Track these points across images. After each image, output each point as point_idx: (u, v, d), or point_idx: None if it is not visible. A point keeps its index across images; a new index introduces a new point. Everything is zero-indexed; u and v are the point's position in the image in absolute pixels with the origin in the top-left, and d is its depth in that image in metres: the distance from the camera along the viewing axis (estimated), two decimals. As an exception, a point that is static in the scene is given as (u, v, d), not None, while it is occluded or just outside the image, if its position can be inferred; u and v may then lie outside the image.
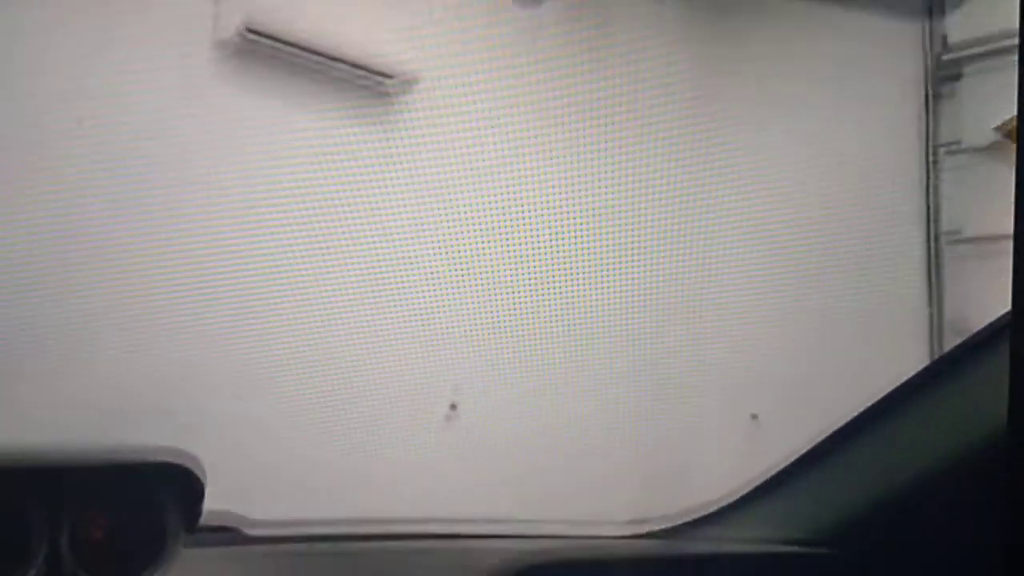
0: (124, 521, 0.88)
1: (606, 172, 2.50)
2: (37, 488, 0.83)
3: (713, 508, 1.29)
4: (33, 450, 0.85)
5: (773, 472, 1.28)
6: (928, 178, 3.15)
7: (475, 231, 2.33)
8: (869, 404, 1.19)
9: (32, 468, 0.84)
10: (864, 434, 1.19)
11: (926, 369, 1.16)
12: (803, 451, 1.27)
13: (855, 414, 1.21)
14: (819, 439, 1.25)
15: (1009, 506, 0.50)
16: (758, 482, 1.30)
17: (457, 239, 2.30)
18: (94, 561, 0.86)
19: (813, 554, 1.13)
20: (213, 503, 0.96)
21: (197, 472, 0.90)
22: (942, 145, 3.12)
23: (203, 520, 0.94)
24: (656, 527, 1.28)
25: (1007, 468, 0.51)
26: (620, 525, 1.27)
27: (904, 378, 1.15)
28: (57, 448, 0.88)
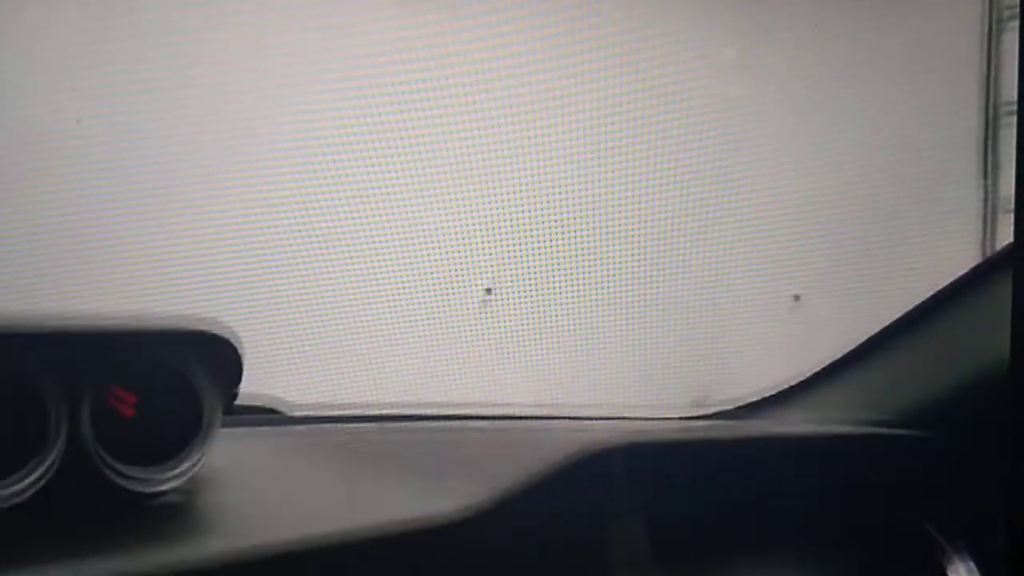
0: (153, 398, 0.79)
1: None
2: (52, 360, 0.73)
3: (782, 388, 1.22)
4: (45, 317, 0.75)
5: (846, 351, 1.20)
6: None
7: (523, 114, 2.24)
8: (954, 279, 1.10)
9: (45, 336, 0.74)
10: (951, 311, 1.10)
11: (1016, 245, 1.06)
12: (879, 329, 1.18)
13: (938, 290, 1.12)
14: (897, 317, 1.16)
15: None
16: (828, 363, 1.21)
17: (502, 122, 2.21)
18: (120, 443, 0.77)
19: (899, 435, 1.05)
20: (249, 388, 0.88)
21: (235, 344, 0.80)
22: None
23: (241, 402, 0.86)
24: (721, 408, 1.20)
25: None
26: (683, 408, 1.20)
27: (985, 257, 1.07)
28: (74, 316, 0.79)
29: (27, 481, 0.71)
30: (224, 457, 0.83)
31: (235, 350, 0.80)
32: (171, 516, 0.76)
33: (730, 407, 1.20)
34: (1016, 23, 2.95)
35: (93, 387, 0.74)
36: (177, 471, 0.79)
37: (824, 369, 1.19)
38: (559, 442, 0.98)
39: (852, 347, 1.18)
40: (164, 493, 0.78)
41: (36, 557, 0.64)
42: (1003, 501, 0.60)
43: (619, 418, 1.17)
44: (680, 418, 1.16)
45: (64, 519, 0.72)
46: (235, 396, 0.83)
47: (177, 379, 0.80)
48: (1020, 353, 0.47)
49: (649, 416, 1.19)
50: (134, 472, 0.77)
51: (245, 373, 0.82)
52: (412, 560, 0.74)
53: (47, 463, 0.72)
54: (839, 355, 1.18)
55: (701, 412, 1.19)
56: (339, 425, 1.14)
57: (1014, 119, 0.51)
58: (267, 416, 1.09)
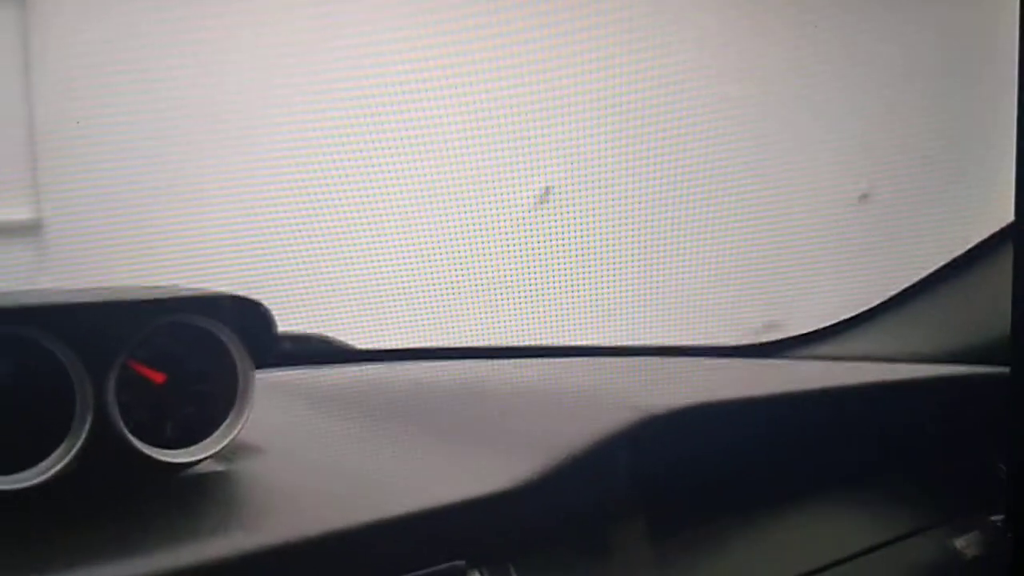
0: (183, 367, 0.74)
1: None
2: (72, 334, 0.67)
3: (849, 317, 1.14)
4: (62, 291, 0.70)
5: (921, 277, 1.12)
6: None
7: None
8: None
9: (62, 309, 0.68)
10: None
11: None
12: (957, 255, 1.09)
13: None
14: (977, 242, 1.07)
15: None
16: (899, 290, 1.14)
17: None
18: (151, 417, 0.72)
19: (977, 373, 0.98)
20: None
21: (265, 307, 0.74)
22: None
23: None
24: (785, 337, 1.14)
25: None
26: (752, 332, 1.13)
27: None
28: (93, 290, 0.73)
29: (57, 462, 0.66)
30: (270, 409, 0.80)
31: (266, 312, 0.75)
32: (214, 489, 0.72)
33: (795, 335, 1.14)
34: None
35: (119, 360, 0.69)
36: (214, 440, 0.75)
37: (895, 297, 1.11)
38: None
39: (926, 273, 1.10)
40: (199, 463, 0.75)
41: (71, 543, 0.60)
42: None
43: (684, 349, 1.11)
44: (741, 347, 1.09)
45: (99, 500, 0.67)
46: (269, 360, 0.78)
47: (207, 345, 0.76)
48: (1020, 352, 0.41)
49: (713, 346, 1.13)
50: (168, 445, 0.72)
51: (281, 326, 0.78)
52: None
53: (76, 442, 0.68)
54: (911, 282, 1.11)
55: (764, 341, 1.13)
56: (396, 364, 1.10)
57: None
58: (318, 353, 1.05)
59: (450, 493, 0.70)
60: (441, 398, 1.04)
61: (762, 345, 1.13)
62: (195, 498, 0.68)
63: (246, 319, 0.74)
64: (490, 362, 1.11)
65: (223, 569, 0.59)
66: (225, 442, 0.75)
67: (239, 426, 0.75)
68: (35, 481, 0.65)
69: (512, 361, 1.11)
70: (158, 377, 0.73)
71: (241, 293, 0.73)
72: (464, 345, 1.15)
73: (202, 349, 0.75)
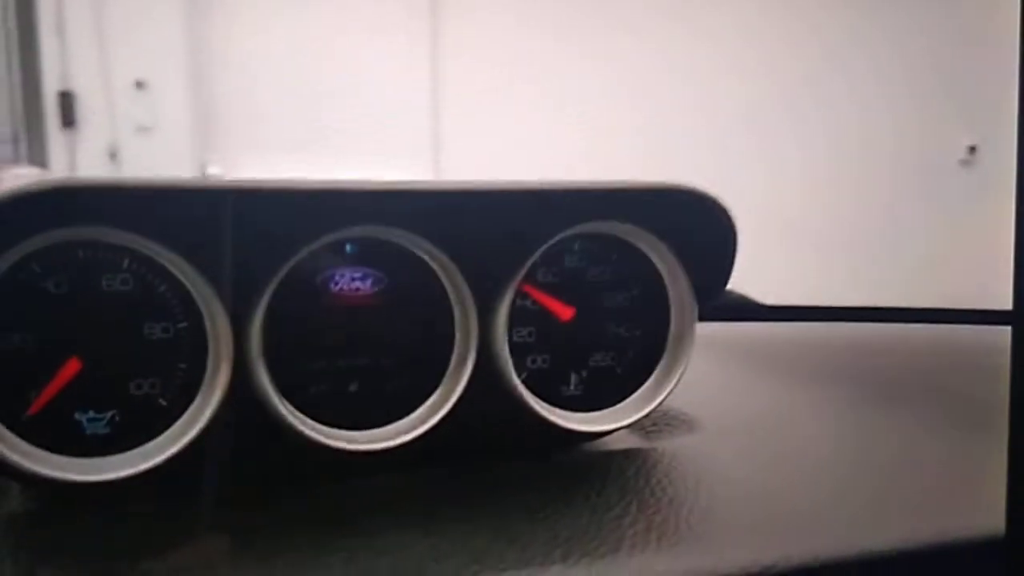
0: (598, 308, 0.52)
1: None
2: (454, 246, 0.48)
3: None
4: (432, 183, 0.48)
5: None
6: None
7: None
8: None
9: (440, 204, 0.47)
10: None
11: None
12: None
13: None
14: None
15: None
16: None
17: None
18: (549, 374, 0.51)
19: None
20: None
21: (726, 210, 0.49)
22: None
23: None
24: None
25: None
26: None
27: None
28: (468, 182, 0.49)
29: (423, 421, 0.48)
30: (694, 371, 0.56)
31: (726, 219, 0.51)
32: (634, 473, 0.50)
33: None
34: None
35: (512, 282, 0.49)
36: (633, 403, 0.53)
37: None
38: None
39: None
40: (612, 433, 0.53)
41: (432, 531, 0.42)
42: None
43: None
44: None
45: (476, 476, 0.47)
46: (721, 292, 0.54)
47: (632, 271, 0.53)
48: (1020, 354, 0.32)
49: None
50: (570, 406, 0.51)
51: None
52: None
53: (451, 395, 0.49)
54: None
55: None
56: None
57: None
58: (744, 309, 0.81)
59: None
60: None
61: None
62: (618, 485, 0.46)
63: (694, 233, 0.50)
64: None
65: None
66: (648, 408, 0.53)
67: (668, 388, 0.53)
68: (393, 442, 0.47)
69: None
70: (565, 312, 0.52)
71: (693, 186, 0.49)
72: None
73: (627, 276, 0.53)
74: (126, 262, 0.43)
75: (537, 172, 0.58)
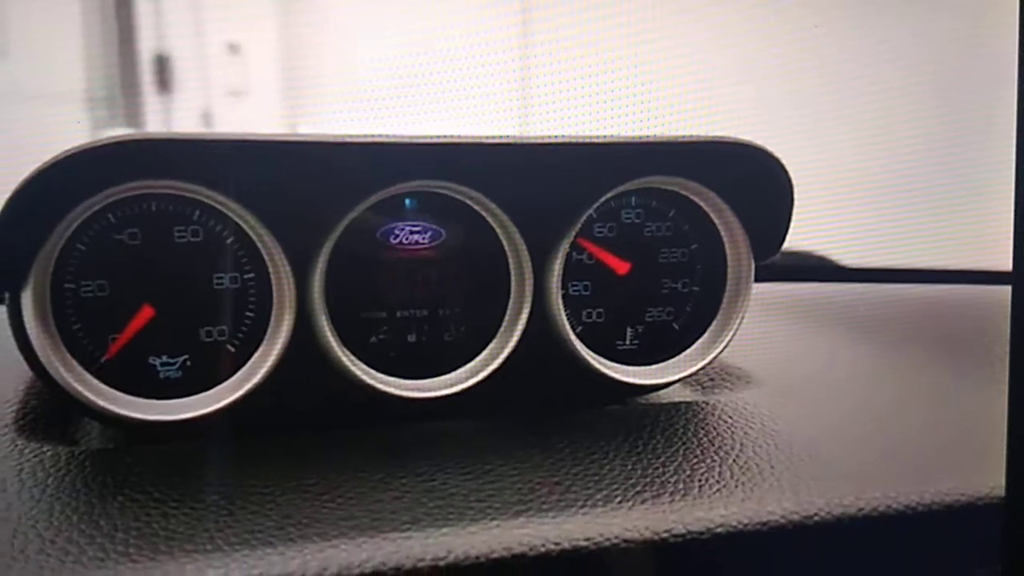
0: (653, 263, 0.53)
1: None
2: (509, 201, 0.48)
3: None
4: (485, 137, 0.49)
5: None
6: None
7: None
8: None
9: (495, 160, 0.48)
10: None
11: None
12: None
13: None
14: None
15: None
16: None
17: None
18: (604, 328, 0.53)
19: None
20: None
21: (782, 165, 0.49)
22: None
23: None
24: None
25: None
26: None
27: None
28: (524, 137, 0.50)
29: (478, 370, 0.50)
30: (752, 328, 0.57)
31: (783, 174, 0.50)
32: (688, 425, 0.51)
33: None
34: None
35: (567, 237, 0.50)
36: (687, 358, 0.54)
37: None
38: None
39: None
40: (665, 387, 0.54)
41: (486, 485, 0.43)
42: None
43: None
44: None
45: (529, 427, 0.48)
46: (778, 247, 0.54)
47: (687, 226, 0.54)
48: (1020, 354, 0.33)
49: None
50: (623, 360, 0.53)
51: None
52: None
53: (505, 346, 0.51)
54: None
55: None
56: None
57: None
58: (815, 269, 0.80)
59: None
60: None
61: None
62: (665, 436, 0.47)
63: (751, 188, 0.50)
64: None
65: (722, 540, 0.38)
66: (703, 363, 0.53)
67: (725, 342, 0.53)
68: (448, 391, 0.49)
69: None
70: (621, 266, 0.53)
71: (750, 140, 0.49)
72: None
73: (684, 231, 0.53)
74: (196, 214, 0.46)
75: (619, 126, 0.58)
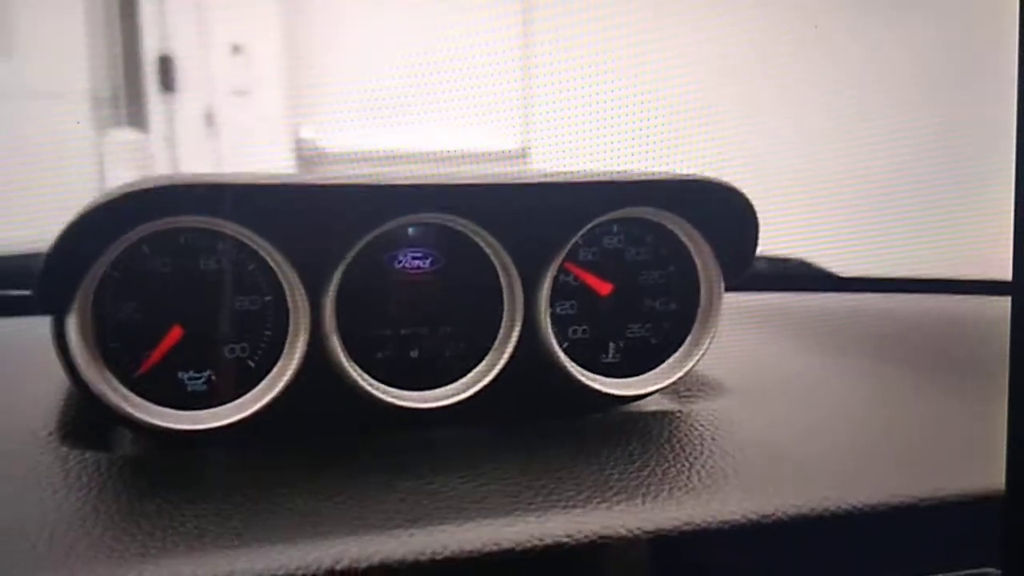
0: (633, 284, 0.58)
1: None
2: (500, 229, 0.54)
3: None
4: (490, 176, 0.55)
5: None
6: None
7: None
8: None
9: (490, 194, 0.54)
10: None
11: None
12: None
13: None
14: None
15: None
16: None
17: None
18: (589, 343, 0.58)
19: None
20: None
21: (745, 198, 0.55)
22: None
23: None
24: None
25: None
26: None
27: None
28: (514, 175, 0.56)
29: (472, 384, 0.55)
30: (731, 338, 0.62)
31: (749, 212, 0.56)
32: (665, 433, 0.56)
33: None
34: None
35: (555, 261, 0.55)
36: (664, 370, 0.59)
37: None
38: None
39: None
40: (645, 397, 0.60)
41: (478, 486, 0.49)
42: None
43: None
44: None
45: (519, 436, 0.54)
46: (746, 268, 0.59)
47: (661, 249, 0.59)
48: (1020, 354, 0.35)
49: None
50: (607, 372, 0.58)
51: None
52: None
53: (498, 361, 0.56)
54: None
55: None
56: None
57: None
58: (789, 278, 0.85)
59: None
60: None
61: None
62: (641, 442, 0.52)
63: (721, 218, 0.56)
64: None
65: (697, 538, 0.43)
66: (679, 374, 0.59)
67: (698, 355, 0.59)
68: (447, 401, 0.55)
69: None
70: (604, 287, 0.58)
71: (718, 178, 0.54)
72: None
73: (661, 255, 0.59)
74: (221, 245, 0.51)
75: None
